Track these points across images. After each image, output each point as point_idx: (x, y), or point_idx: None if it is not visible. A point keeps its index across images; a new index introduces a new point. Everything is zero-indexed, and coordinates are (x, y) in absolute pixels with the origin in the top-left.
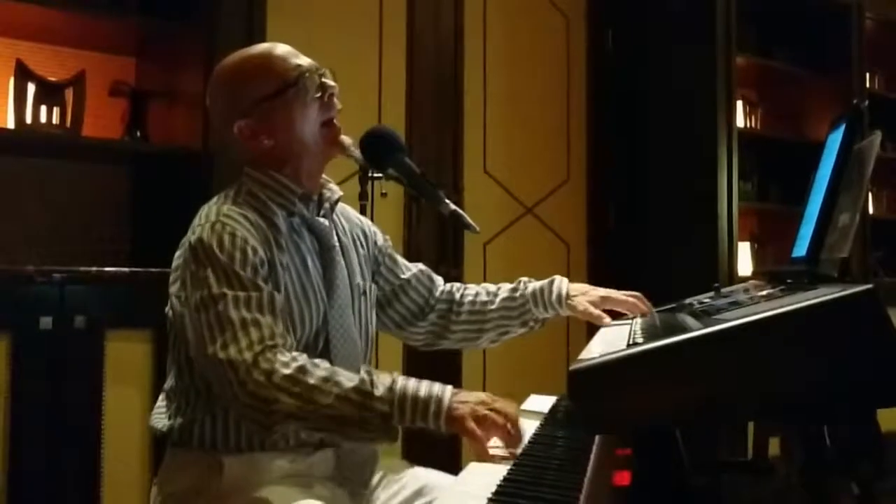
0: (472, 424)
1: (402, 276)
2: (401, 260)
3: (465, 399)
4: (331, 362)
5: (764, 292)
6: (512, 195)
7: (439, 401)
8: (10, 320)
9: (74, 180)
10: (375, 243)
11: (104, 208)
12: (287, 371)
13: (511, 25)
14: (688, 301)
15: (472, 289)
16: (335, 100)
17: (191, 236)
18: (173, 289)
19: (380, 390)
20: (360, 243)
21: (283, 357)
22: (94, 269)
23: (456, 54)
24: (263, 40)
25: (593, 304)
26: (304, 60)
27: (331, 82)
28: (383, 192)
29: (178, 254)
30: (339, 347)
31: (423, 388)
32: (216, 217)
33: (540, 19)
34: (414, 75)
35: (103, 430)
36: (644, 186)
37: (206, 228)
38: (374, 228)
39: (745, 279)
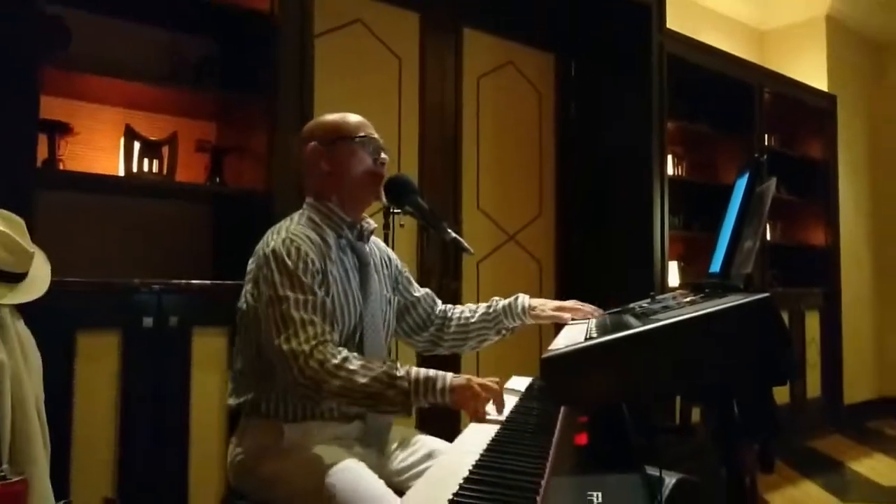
0: (469, 392)
1: (415, 295)
2: (414, 283)
3: (460, 380)
4: (362, 351)
5: (688, 299)
6: (498, 226)
7: (444, 378)
8: (120, 321)
9: (169, 215)
10: (396, 267)
11: (192, 236)
12: (335, 361)
13: (498, 98)
14: (631, 305)
15: (458, 309)
16: (384, 167)
17: (265, 247)
18: (248, 287)
19: (401, 372)
20: (386, 265)
21: (332, 350)
22: (184, 281)
23: (456, 120)
24: (310, 108)
25: (553, 310)
26: (376, 135)
27: (385, 155)
28: (401, 223)
29: (251, 260)
30: (369, 340)
31: (431, 372)
32: (286, 234)
33: (519, 94)
34: (425, 136)
35: (191, 406)
36: (600, 218)
37: (279, 242)
38: (394, 256)
39: (674, 289)
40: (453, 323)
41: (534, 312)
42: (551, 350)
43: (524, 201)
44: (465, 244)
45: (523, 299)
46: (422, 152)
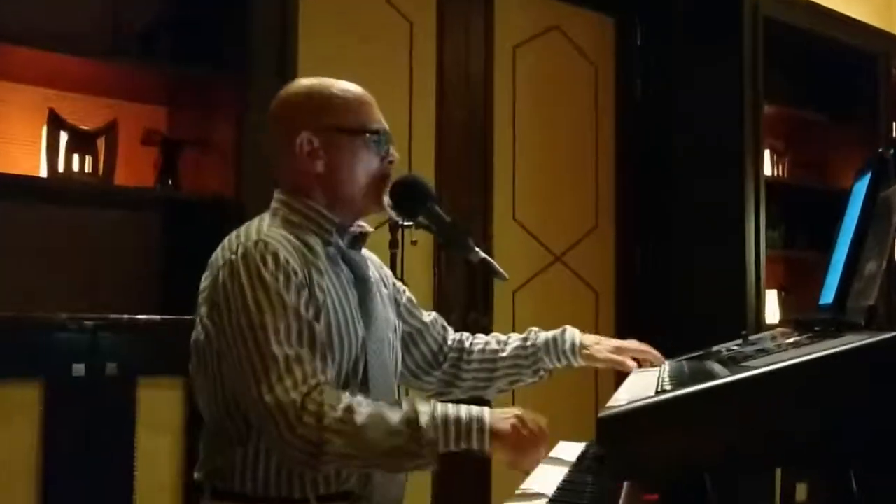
0: (514, 439)
1: (423, 320)
2: (417, 306)
3: (502, 415)
4: (368, 391)
5: (791, 340)
6: (541, 243)
7: (481, 421)
8: (42, 367)
9: (106, 228)
10: (394, 286)
11: (135, 256)
12: (335, 413)
13: (540, 74)
14: (715, 348)
15: (481, 338)
16: (392, 165)
17: (227, 255)
18: (203, 311)
19: (425, 418)
20: (385, 282)
21: (329, 398)
22: (126, 316)
23: (485, 103)
24: None
25: (611, 352)
26: (383, 120)
27: (395, 152)
28: (413, 239)
29: (205, 275)
30: (376, 377)
31: (463, 411)
32: (257, 236)
33: (568, 69)
34: (443, 124)
35: (135, 478)
36: (671, 233)
37: (249, 247)
38: (388, 271)
39: (772, 327)
40: (474, 357)
41: (586, 352)
42: (611, 406)
43: (575, 210)
44: (498, 267)
45: (573, 334)
46: (440, 145)
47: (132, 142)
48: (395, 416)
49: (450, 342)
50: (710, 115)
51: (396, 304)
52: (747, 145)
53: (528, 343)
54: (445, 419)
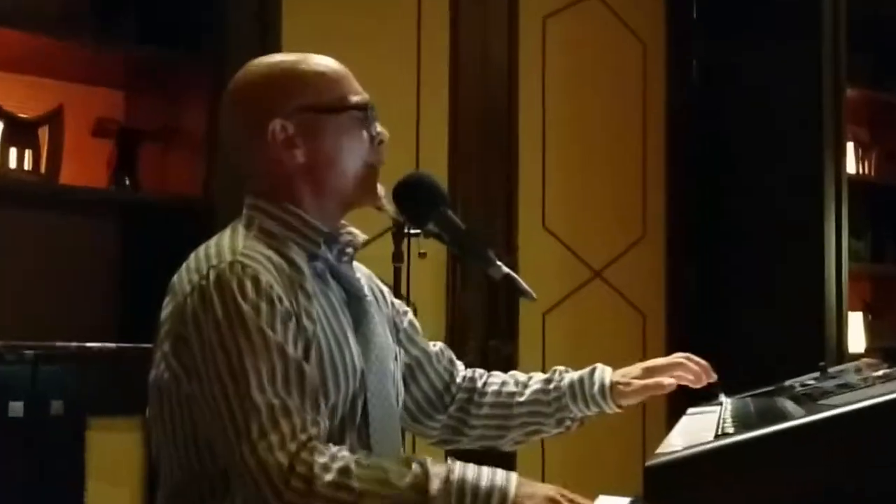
0: None
1: (426, 350)
2: (420, 332)
3: (532, 492)
4: (369, 435)
5: (879, 373)
6: (576, 255)
7: (504, 494)
8: None
9: (50, 237)
10: (392, 305)
11: (86, 271)
12: (329, 476)
13: (575, 53)
14: (788, 383)
15: (497, 376)
16: (383, 147)
17: (192, 279)
18: (166, 347)
19: (436, 485)
20: (381, 302)
21: (322, 457)
22: (74, 344)
23: (509, 87)
24: None
25: (639, 378)
26: (363, 91)
27: (384, 131)
28: (421, 251)
29: (167, 300)
30: (378, 416)
31: (485, 477)
32: (232, 256)
33: (611, 46)
34: (458, 112)
35: None
36: (733, 244)
37: (224, 270)
38: (386, 288)
39: (856, 357)
40: (487, 400)
41: (618, 391)
42: (662, 453)
43: (617, 216)
44: (524, 284)
45: (603, 373)
46: (453, 137)
47: (82, 132)
48: (400, 479)
49: (458, 380)
50: (781, 101)
51: (395, 327)
52: (826, 137)
53: (551, 386)
54: (462, 487)
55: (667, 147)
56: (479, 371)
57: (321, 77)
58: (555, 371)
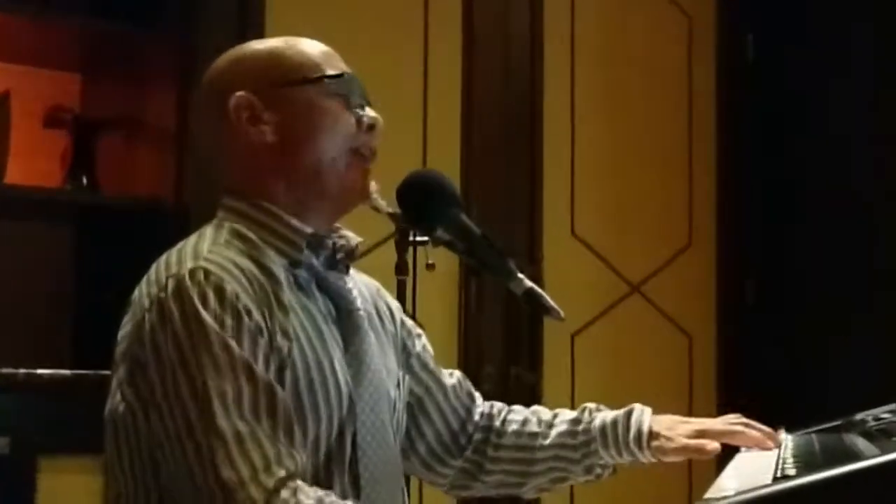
0: None
1: (441, 381)
2: (432, 358)
3: None
4: (358, 476)
5: None
6: (611, 267)
7: None
8: None
9: None
10: (403, 324)
11: (36, 284)
12: None
13: (610, 30)
14: (859, 417)
15: (518, 412)
16: (374, 133)
17: (154, 291)
18: (121, 372)
19: None
20: (386, 318)
21: (307, 499)
22: (22, 371)
23: (533, 70)
24: None
25: (690, 437)
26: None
27: (374, 113)
28: (430, 262)
29: (126, 319)
30: (370, 454)
31: None
32: (194, 262)
33: (651, 20)
34: (473, 100)
35: None
36: (797, 255)
37: (184, 277)
38: (393, 300)
39: None
40: (506, 441)
41: (657, 444)
42: (712, 499)
43: (659, 222)
44: (550, 300)
45: (641, 417)
46: (467, 132)
47: (32, 123)
48: None
49: (476, 417)
50: (851, 83)
51: (405, 350)
52: None
53: (580, 428)
54: None
55: (717, 140)
56: (497, 405)
57: (296, 52)
58: (584, 409)
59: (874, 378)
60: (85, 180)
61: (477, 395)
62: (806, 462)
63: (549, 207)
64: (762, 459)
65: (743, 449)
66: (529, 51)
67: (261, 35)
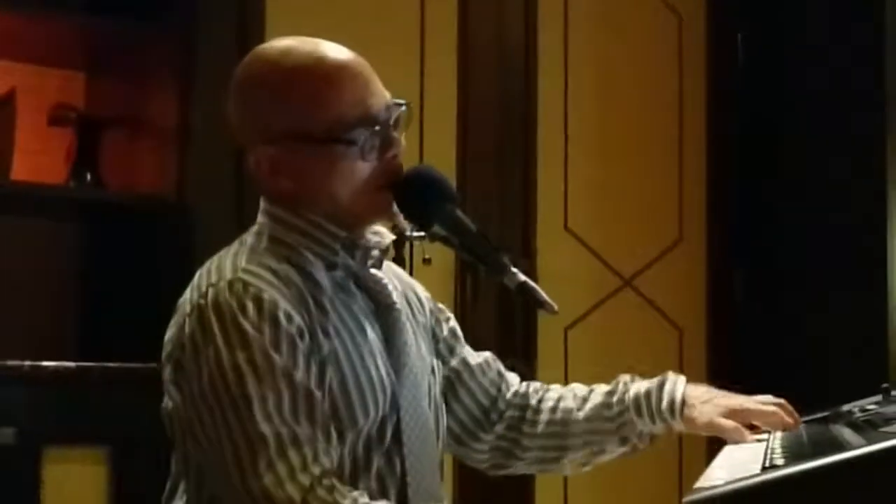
0: None
1: (468, 361)
2: (462, 338)
3: None
4: (402, 463)
5: None
6: (603, 261)
7: None
8: None
9: (0, 240)
10: (431, 311)
11: (41, 279)
12: None
13: (602, 29)
14: (845, 408)
15: (554, 391)
16: (398, 159)
17: (196, 298)
18: (167, 372)
19: None
20: (417, 308)
21: (342, 498)
22: (27, 363)
23: (526, 67)
24: None
25: (722, 416)
26: (378, 93)
27: (397, 147)
28: (426, 257)
29: (173, 321)
30: (413, 443)
31: None
32: (233, 273)
33: (642, 20)
34: (469, 100)
35: None
36: (784, 249)
37: (223, 289)
38: (422, 289)
39: None
40: (542, 418)
41: (689, 413)
42: (702, 488)
43: (650, 217)
44: (543, 294)
45: (675, 386)
46: (462, 128)
47: (36, 120)
48: None
49: (510, 395)
50: (838, 82)
51: (434, 337)
52: (890, 124)
53: (615, 399)
54: None
55: (707, 136)
56: (534, 385)
57: (316, 87)
58: (618, 381)
59: (860, 369)
60: (89, 177)
61: (511, 375)
62: (794, 452)
63: (542, 203)
64: (751, 450)
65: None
66: (524, 50)
67: (261, 35)
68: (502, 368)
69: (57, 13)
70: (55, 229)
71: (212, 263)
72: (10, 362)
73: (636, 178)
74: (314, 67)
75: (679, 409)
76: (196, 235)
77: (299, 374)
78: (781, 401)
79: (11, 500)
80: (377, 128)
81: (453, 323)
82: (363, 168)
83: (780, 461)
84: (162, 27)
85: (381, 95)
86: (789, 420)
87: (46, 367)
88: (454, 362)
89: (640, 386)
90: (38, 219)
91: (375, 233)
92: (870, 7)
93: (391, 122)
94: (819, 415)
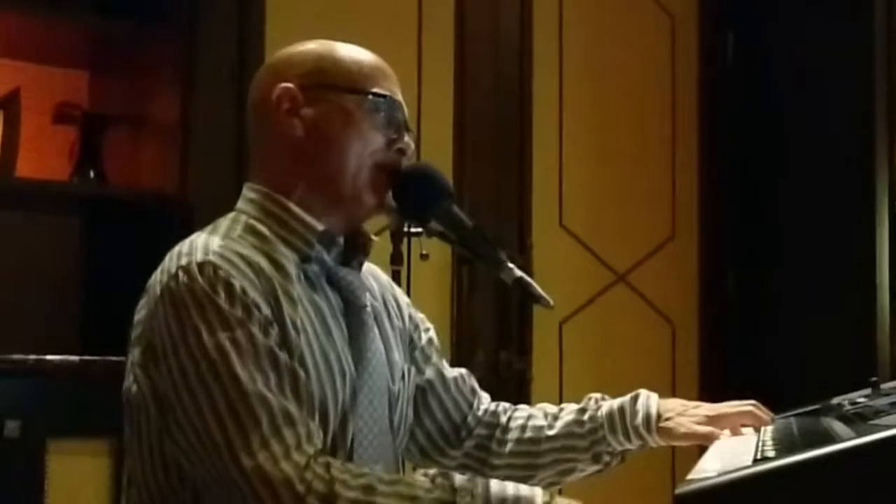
0: None
1: (443, 373)
2: (439, 352)
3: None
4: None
5: None
6: (597, 257)
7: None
8: None
9: (5, 236)
10: (411, 317)
11: (45, 274)
12: (351, 493)
13: (596, 29)
14: (835, 401)
15: (523, 409)
16: (404, 156)
17: (166, 279)
18: (135, 353)
19: (465, 499)
20: (395, 312)
21: (339, 473)
22: (32, 357)
23: (521, 67)
24: (259, 47)
25: (701, 423)
26: (400, 96)
27: (409, 139)
28: (423, 252)
29: (142, 302)
30: (365, 446)
31: (510, 489)
32: (204, 255)
33: (635, 19)
34: (465, 95)
35: None
36: (775, 246)
37: (193, 270)
38: (404, 297)
39: None
40: (511, 436)
41: (665, 425)
42: (694, 479)
43: (643, 214)
44: (538, 289)
45: (648, 402)
46: (459, 125)
47: (42, 118)
48: (427, 495)
49: (480, 412)
50: (828, 80)
51: (411, 344)
52: (879, 126)
53: (586, 417)
54: (487, 498)
55: (699, 134)
56: (503, 405)
57: (351, 61)
58: (590, 399)
59: (850, 363)
60: (92, 174)
61: (483, 394)
62: (785, 445)
63: (537, 200)
64: (743, 443)
65: (724, 433)
66: (519, 51)
67: (261, 35)
68: (476, 386)
69: (61, 14)
70: (59, 225)
71: (182, 246)
72: (15, 356)
73: (630, 175)
74: (355, 49)
75: (654, 423)
76: (197, 230)
77: (280, 353)
78: (753, 402)
79: (17, 491)
80: (396, 113)
81: (433, 334)
82: (375, 137)
83: (771, 453)
84: (164, 27)
85: (401, 98)
86: (765, 417)
87: (50, 360)
88: (429, 372)
89: (612, 403)
90: (43, 214)
91: (358, 234)
92: (860, 7)
93: (405, 120)
94: (810, 408)
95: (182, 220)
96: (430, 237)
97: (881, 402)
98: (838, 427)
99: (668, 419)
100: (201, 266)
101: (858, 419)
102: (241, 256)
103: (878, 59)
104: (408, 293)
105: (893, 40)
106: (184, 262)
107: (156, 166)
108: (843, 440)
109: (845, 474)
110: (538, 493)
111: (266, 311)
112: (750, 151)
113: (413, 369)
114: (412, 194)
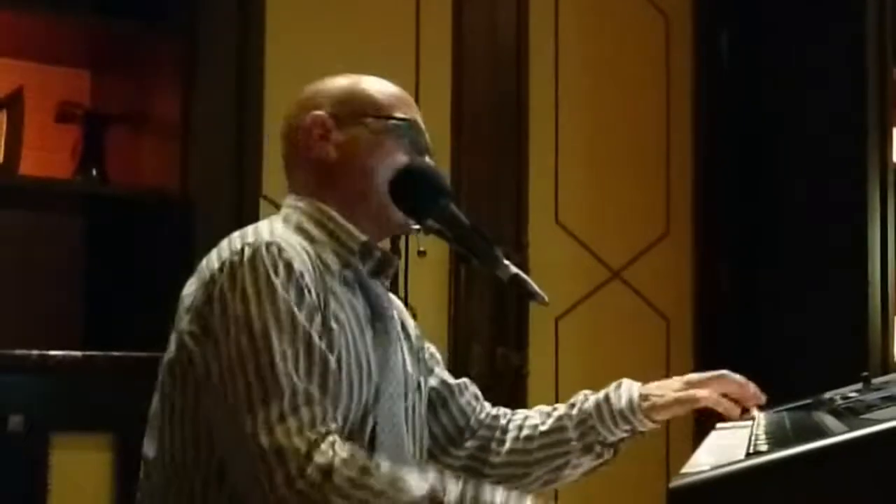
0: None
1: (448, 382)
2: (441, 364)
3: None
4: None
5: None
6: (593, 254)
7: None
8: None
9: (8, 233)
10: (418, 337)
11: (48, 271)
12: (348, 472)
13: (591, 28)
14: (827, 395)
15: (521, 412)
16: None
17: (225, 255)
18: (185, 323)
19: (453, 496)
20: (409, 329)
21: (343, 452)
22: (35, 352)
23: (518, 65)
24: (259, 47)
25: (677, 392)
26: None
27: (429, 160)
28: (421, 249)
29: (191, 281)
30: (385, 442)
31: (499, 496)
32: (270, 237)
33: (630, 19)
34: (462, 95)
35: None
36: (768, 243)
37: (259, 248)
38: (411, 320)
39: None
40: (509, 436)
41: (647, 404)
42: (687, 473)
43: (638, 211)
44: (534, 286)
45: (631, 387)
46: (456, 125)
47: (43, 117)
48: (418, 488)
49: (482, 416)
50: (821, 80)
51: (417, 360)
52: (871, 123)
53: (574, 410)
54: (476, 499)
55: (693, 133)
56: (503, 409)
57: (376, 90)
58: (579, 395)
59: (842, 358)
60: (94, 172)
61: (486, 402)
62: (777, 439)
63: (534, 197)
64: (736, 437)
65: (717, 427)
66: (515, 49)
67: (261, 35)
68: (478, 392)
69: (63, 14)
70: (62, 223)
71: (244, 231)
72: (18, 352)
73: (625, 173)
74: (379, 81)
75: (637, 403)
76: (198, 229)
77: (316, 339)
78: (732, 376)
79: (20, 486)
80: (419, 136)
81: (433, 349)
82: (400, 159)
83: (764, 447)
84: (165, 26)
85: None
86: (740, 379)
87: (53, 356)
88: (433, 382)
89: (598, 394)
90: (45, 212)
91: (385, 251)
92: (852, 7)
93: (428, 144)
94: (802, 402)
95: (182, 217)
96: (428, 235)
97: (872, 396)
98: (830, 421)
99: (649, 395)
100: (269, 245)
101: (850, 413)
102: (301, 246)
103: (871, 59)
104: (406, 289)
105: (885, 39)
106: (250, 239)
107: (157, 165)
108: (834, 434)
109: (837, 468)
110: (527, 500)
111: (315, 298)
112: (743, 149)
113: (425, 380)
114: (410, 192)
